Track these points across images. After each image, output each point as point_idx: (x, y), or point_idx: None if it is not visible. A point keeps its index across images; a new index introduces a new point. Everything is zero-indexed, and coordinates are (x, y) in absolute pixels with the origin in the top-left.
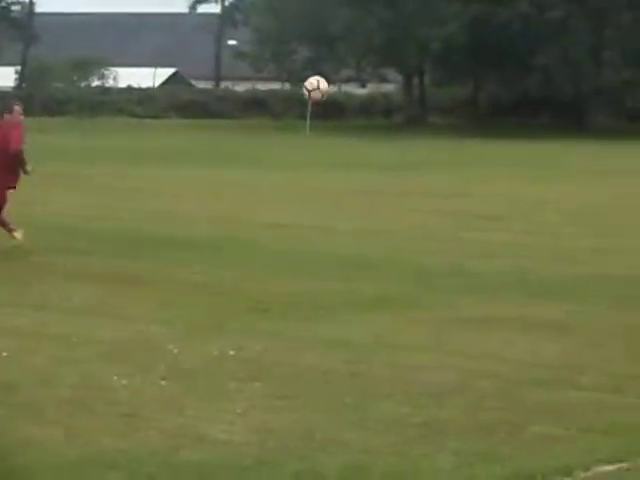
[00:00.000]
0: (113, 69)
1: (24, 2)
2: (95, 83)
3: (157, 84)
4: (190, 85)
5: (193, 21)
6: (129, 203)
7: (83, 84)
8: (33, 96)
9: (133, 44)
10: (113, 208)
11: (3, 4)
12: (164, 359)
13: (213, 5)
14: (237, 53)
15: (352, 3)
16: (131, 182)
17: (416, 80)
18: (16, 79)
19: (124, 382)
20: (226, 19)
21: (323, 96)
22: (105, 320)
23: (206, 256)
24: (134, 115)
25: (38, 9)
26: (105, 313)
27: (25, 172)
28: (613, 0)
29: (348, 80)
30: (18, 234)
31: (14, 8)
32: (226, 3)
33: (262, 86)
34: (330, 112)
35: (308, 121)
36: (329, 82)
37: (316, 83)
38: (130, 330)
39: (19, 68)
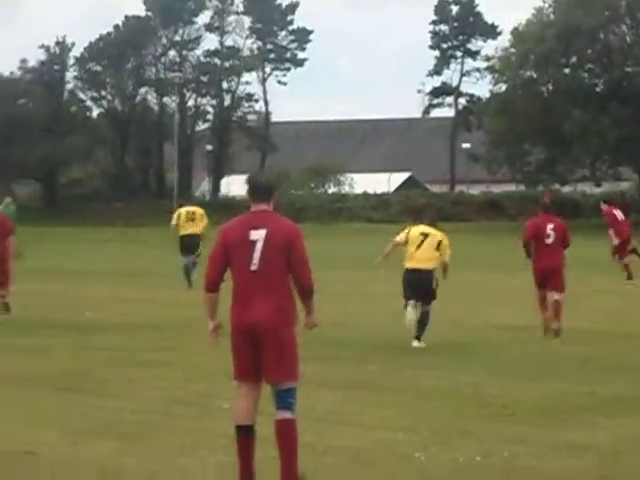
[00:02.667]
0: (349, 175)
1: (260, 112)
2: (331, 190)
3: (392, 189)
4: (425, 189)
5: (426, 125)
6: (370, 308)
7: (320, 191)
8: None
9: (368, 150)
10: (355, 314)
11: (239, 114)
12: (411, 467)
13: (446, 109)
14: (471, 156)
15: (585, 103)
16: (372, 286)
17: None
18: None
19: None
20: (459, 122)
21: None
22: (348, 427)
23: (447, 360)
24: (370, 220)
25: (274, 118)
26: (348, 420)
27: None
28: None
29: (583, 179)
30: None
31: (250, 117)
32: (459, 107)
33: (496, 188)
34: (566, 212)
35: None
36: (563, 182)
37: None
38: (374, 437)
39: None
